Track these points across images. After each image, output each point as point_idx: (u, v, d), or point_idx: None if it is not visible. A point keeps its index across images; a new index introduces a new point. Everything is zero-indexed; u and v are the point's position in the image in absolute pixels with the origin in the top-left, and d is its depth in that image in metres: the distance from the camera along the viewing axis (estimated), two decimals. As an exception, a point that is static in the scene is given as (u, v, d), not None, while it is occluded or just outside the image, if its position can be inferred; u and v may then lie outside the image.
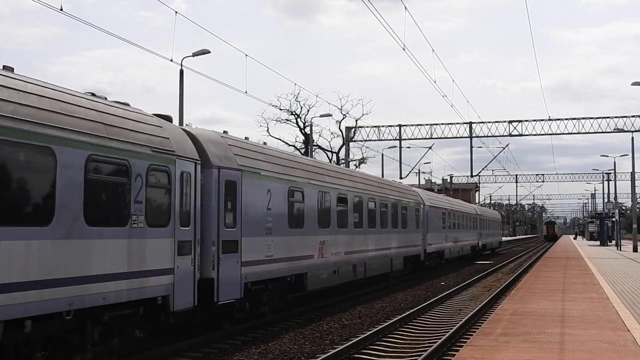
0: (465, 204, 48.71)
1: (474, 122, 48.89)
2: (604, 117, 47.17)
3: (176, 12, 24.48)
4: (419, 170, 69.41)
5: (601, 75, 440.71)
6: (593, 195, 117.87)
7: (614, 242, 62.55)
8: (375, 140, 50.66)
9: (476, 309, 17.71)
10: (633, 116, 46.46)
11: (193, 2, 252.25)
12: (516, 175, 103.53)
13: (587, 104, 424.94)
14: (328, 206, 19.19)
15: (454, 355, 10.78)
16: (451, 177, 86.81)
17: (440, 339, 13.39)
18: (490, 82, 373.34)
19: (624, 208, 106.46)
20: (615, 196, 72.96)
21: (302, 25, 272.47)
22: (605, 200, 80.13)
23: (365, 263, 22.25)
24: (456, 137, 49.40)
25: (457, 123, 48.98)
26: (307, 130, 52.54)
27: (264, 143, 18.36)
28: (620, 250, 53.03)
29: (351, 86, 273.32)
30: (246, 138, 16.19)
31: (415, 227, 29.97)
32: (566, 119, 47.97)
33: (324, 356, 11.70)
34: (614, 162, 69.46)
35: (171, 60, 25.58)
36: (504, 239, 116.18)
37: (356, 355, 12.56)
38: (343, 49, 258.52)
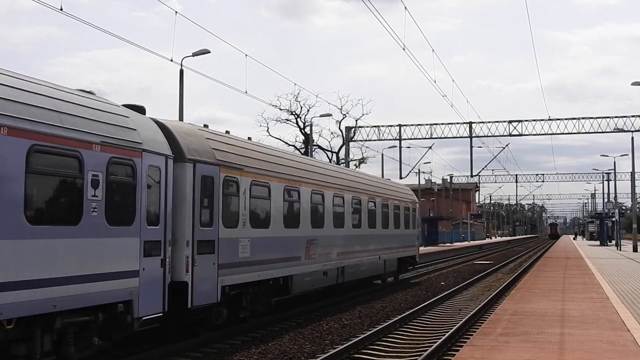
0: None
1: (473, 122, 49.00)
2: (603, 117, 47.27)
3: (176, 12, 24.49)
4: (419, 170, 69.41)
5: (596, 76, 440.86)
6: (593, 195, 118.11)
7: (613, 242, 62.56)
8: (375, 140, 50.77)
9: (476, 309, 17.71)
10: (632, 116, 46.59)
11: (188, 3, 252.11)
12: (516, 175, 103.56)
13: (583, 105, 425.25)
14: None
15: (454, 355, 10.78)
16: (451, 177, 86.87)
17: (440, 339, 13.39)
18: (485, 83, 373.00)
19: (624, 208, 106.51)
20: (615, 196, 73.08)
21: (297, 26, 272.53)
22: (605, 200, 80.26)
23: None
24: (456, 137, 49.52)
25: (457, 123, 49.09)
26: (307, 130, 52.59)
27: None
28: (620, 250, 53.04)
29: (350, 86, 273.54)
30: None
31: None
32: (566, 119, 48.06)
33: (324, 356, 11.71)
34: (614, 162, 69.61)
35: (171, 60, 25.61)
36: (503, 239, 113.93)
37: (356, 355, 12.57)
38: (340, 50, 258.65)
